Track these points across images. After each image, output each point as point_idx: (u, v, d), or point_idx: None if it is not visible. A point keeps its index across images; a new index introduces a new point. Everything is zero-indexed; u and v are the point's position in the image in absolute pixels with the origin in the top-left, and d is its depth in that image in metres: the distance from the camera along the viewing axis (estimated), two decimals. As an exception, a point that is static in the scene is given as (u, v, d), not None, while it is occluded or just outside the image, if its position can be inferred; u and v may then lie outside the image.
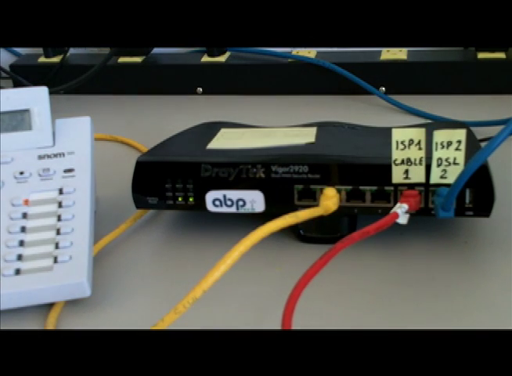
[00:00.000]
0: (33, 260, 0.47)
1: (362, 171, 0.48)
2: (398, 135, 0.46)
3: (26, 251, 0.47)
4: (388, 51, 0.79)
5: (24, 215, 0.49)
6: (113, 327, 0.45)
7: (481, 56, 0.75)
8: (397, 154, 0.46)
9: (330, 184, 0.49)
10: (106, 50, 0.82)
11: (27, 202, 0.50)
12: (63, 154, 0.53)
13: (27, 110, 0.53)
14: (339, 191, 0.49)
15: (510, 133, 0.40)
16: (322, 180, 0.49)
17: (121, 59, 0.84)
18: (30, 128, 0.53)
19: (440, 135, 0.45)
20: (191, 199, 0.52)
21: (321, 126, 0.58)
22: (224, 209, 0.50)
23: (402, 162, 0.46)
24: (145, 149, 0.68)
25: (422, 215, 0.48)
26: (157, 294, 0.48)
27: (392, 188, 0.48)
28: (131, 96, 0.83)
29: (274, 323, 0.38)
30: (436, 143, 0.45)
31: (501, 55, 0.75)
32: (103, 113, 0.79)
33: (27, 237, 0.48)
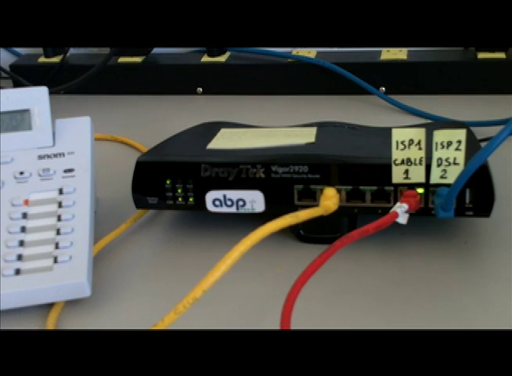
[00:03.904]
0: (33, 260, 0.47)
1: (362, 171, 0.48)
2: (398, 135, 0.46)
3: (26, 251, 0.47)
4: (388, 51, 0.79)
5: (24, 215, 0.49)
6: (113, 327, 0.45)
7: (481, 56, 0.75)
8: (397, 154, 0.46)
9: (330, 184, 0.49)
10: (106, 50, 0.82)
11: (27, 202, 0.50)
12: (63, 154, 0.53)
13: (27, 110, 0.53)
14: (339, 191, 0.49)
15: (510, 133, 0.41)
16: (322, 180, 0.49)
17: (121, 59, 0.84)
18: (30, 128, 0.53)
19: (440, 135, 0.45)
20: (191, 199, 0.52)
21: (321, 126, 0.58)
22: (224, 209, 0.50)
23: (402, 162, 0.46)
24: (145, 149, 0.68)
25: (422, 215, 0.48)
26: (157, 294, 0.48)
27: (392, 188, 0.48)
28: (131, 96, 0.83)
29: (274, 323, 0.38)
30: (436, 143, 0.45)
31: (501, 55, 0.75)
32: (103, 113, 0.79)
33: (27, 237, 0.48)
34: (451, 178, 0.45)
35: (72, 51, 0.87)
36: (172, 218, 0.57)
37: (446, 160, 0.45)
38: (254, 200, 0.49)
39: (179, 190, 0.52)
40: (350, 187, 0.49)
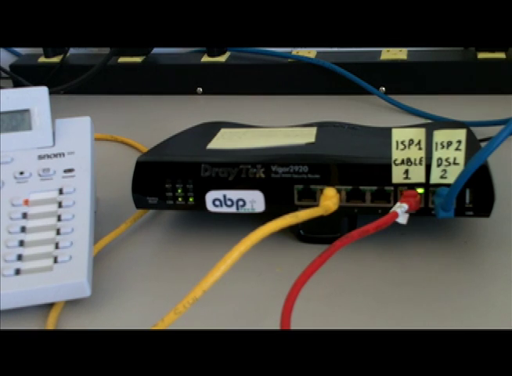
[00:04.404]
0: (33, 260, 0.47)
1: (362, 171, 0.48)
2: (398, 135, 0.46)
3: (26, 251, 0.47)
4: (388, 51, 0.79)
5: (24, 215, 0.49)
6: (113, 327, 0.45)
7: (481, 56, 0.75)
8: (397, 154, 0.46)
9: (330, 184, 0.49)
10: (106, 50, 0.82)
11: (27, 202, 0.50)
12: (63, 154, 0.53)
13: (27, 110, 0.53)
14: (339, 191, 0.49)
15: (510, 133, 0.40)
16: (322, 180, 0.49)
17: (121, 59, 0.84)
18: (30, 128, 0.53)
19: (440, 135, 0.45)
20: (191, 199, 0.52)
21: (321, 126, 0.58)
22: (224, 209, 0.50)
23: (402, 162, 0.46)
24: (145, 149, 0.68)
25: (422, 215, 0.48)
26: (157, 294, 0.48)
27: (392, 188, 0.48)
28: (131, 96, 0.83)
29: (274, 323, 0.38)
30: (436, 143, 0.45)
31: (501, 55, 0.75)
32: (103, 113, 0.79)
33: (27, 237, 0.48)
34: (451, 178, 0.45)
35: (72, 51, 0.87)
36: (172, 218, 0.57)
37: (446, 160, 0.45)
38: (254, 200, 0.49)
39: (179, 190, 0.52)
40: (350, 187, 0.49)
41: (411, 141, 0.45)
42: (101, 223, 0.56)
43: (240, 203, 0.50)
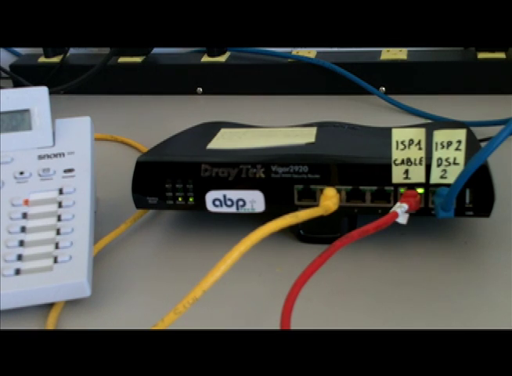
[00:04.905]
0: (33, 260, 0.47)
1: (362, 171, 0.48)
2: (398, 135, 0.46)
3: (26, 251, 0.47)
4: (388, 51, 0.79)
5: (24, 215, 0.49)
6: (113, 327, 0.45)
7: (481, 56, 0.75)
8: (397, 154, 0.46)
9: (330, 184, 0.49)
10: (106, 50, 0.82)
11: (26, 202, 0.50)
12: (63, 154, 0.53)
13: (27, 110, 0.53)
14: (339, 191, 0.49)
15: (510, 133, 0.40)
16: (322, 180, 0.49)
17: (121, 59, 0.84)
18: (30, 128, 0.53)
19: (440, 135, 0.45)
20: (191, 199, 0.52)
21: (321, 126, 0.58)
22: (224, 209, 0.50)
23: (402, 162, 0.46)
24: (145, 149, 0.68)
25: (422, 215, 0.48)
26: (157, 294, 0.48)
27: (392, 188, 0.48)
28: (131, 96, 0.83)
29: (274, 323, 0.38)
30: (436, 143, 0.45)
31: (501, 55, 0.75)
32: (103, 113, 0.79)
33: (27, 237, 0.48)
34: (451, 178, 0.45)
35: (72, 51, 0.87)
36: (172, 218, 0.57)
37: (446, 160, 0.45)
38: (254, 200, 0.49)
39: (179, 190, 0.52)
40: (350, 187, 0.49)
41: (411, 141, 0.46)
42: (101, 223, 0.56)
43: (240, 203, 0.50)
